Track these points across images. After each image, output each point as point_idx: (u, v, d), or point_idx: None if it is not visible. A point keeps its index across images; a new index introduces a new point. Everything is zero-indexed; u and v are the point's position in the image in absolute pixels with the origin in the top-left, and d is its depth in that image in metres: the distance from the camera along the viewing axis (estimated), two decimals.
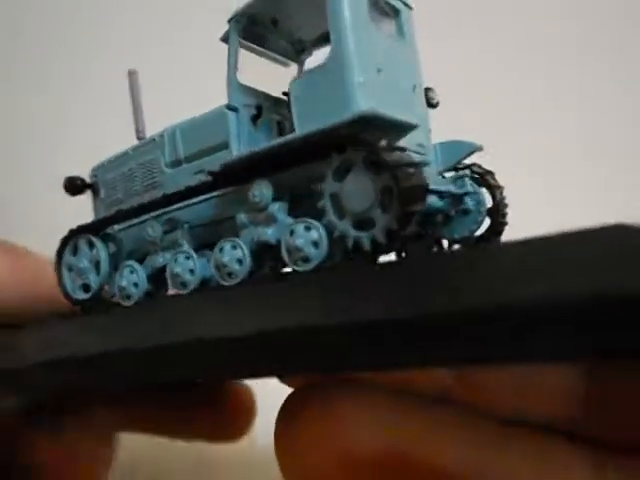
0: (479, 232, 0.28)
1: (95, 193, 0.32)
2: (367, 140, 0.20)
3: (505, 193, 0.28)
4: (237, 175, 0.24)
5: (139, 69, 0.67)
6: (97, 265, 0.29)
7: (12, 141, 0.67)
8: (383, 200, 0.19)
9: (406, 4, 0.27)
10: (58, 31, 0.68)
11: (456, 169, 0.28)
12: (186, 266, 0.26)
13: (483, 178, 0.27)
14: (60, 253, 0.30)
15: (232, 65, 0.26)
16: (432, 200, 0.25)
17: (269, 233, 0.23)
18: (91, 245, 0.29)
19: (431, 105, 0.27)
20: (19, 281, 0.29)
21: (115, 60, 0.68)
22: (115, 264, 0.29)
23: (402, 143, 0.23)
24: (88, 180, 0.33)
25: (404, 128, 0.22)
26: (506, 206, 0.27)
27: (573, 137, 0.67)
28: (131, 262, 0.28)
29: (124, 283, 0.28)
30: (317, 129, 0.22)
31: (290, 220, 0.23)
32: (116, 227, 0.30)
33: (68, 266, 0.30)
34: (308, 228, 0.22)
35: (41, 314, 0.30)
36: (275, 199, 0.24)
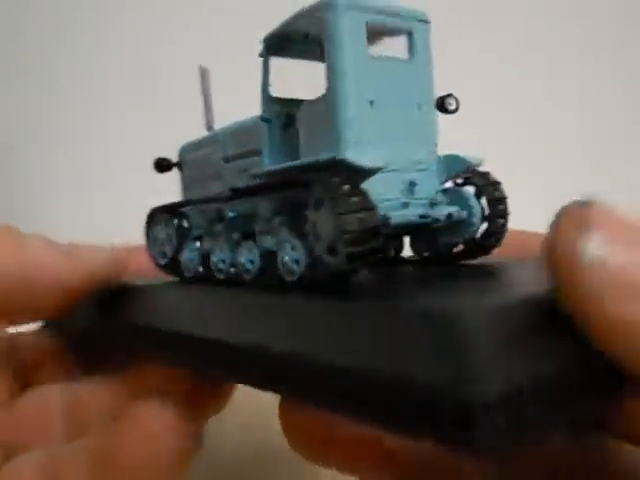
0: (479, 235, 0.28)
1: (181, 170, 0.36)
2: (330, 184, 0.22)
3: (506, 203, 0.28)
4: (249, 191, 0.28)
5: (139, 69, 0.67)
6: (170, 239, 0.34)
7: (12, 141, 0.68)
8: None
9: (422, 20, 0.27)
10: (58, 31, 0.68)
11: (464, 178, 0.29)
12: (220, 256, 0.30)
13: (481, 191, 0.28)
14: (148, 225, 0.35)
15: (265, 80, 0.28)
16: (415, 218, 0.26)
17: (271, 243, 0.27)
18: (167, 222, 0.34)
19: (447, 111, 0.27)
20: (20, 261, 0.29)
21: (116, 60, 0.68)
22: (185, 239, 0.33)
23: (399, 163, 0.25)
24: (175, 159, 0.36)
25: (371, 173, 0.24)
26: (504, 216, 0.28)
27: (573, 137, 0.68)
28: (192, 242, 0.33)
29: (185, 259, 0.32)
30: (300, 163, 0.25)
31: (285, 236, 0.26)
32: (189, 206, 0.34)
33: (153, 237, 0.35)
34: (293, 248, 0.25)
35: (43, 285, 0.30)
36: (278, 214, 0.26)
